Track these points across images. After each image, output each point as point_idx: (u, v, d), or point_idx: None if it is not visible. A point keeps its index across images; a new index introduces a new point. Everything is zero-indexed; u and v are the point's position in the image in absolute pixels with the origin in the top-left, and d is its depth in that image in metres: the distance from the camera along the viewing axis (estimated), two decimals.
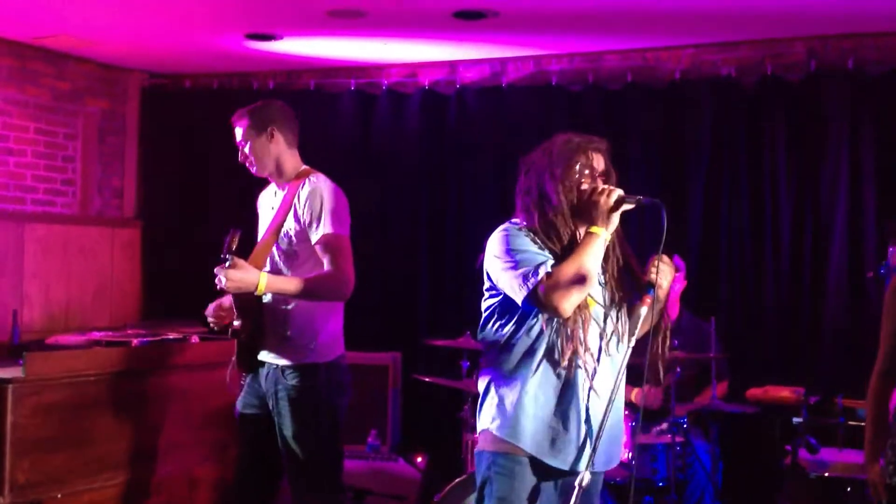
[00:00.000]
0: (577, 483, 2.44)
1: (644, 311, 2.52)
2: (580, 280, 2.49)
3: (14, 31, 5.13)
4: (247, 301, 3.29)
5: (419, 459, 4.68)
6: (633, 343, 2.55)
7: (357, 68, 5.69)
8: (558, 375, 2.54)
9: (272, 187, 3.56)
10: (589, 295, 2.54)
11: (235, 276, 3.14)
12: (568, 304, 2.49)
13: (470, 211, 5.41)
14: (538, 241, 2.57)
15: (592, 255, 2.51)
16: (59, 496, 3.50)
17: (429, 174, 5.54)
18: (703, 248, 4.93)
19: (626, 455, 4.06)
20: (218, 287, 3.20)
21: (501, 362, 2.60)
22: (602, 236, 2.53)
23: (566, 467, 2.55)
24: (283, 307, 3.29)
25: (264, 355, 3.37)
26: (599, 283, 2.61)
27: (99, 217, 5.87)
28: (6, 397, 3.32)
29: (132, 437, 3.81)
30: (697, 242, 4.96)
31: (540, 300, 2.48)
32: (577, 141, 2.65)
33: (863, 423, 3.68)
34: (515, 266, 2.53)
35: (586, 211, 2.56)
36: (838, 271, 4.68)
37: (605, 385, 2.57)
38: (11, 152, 5.37)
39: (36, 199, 5.54)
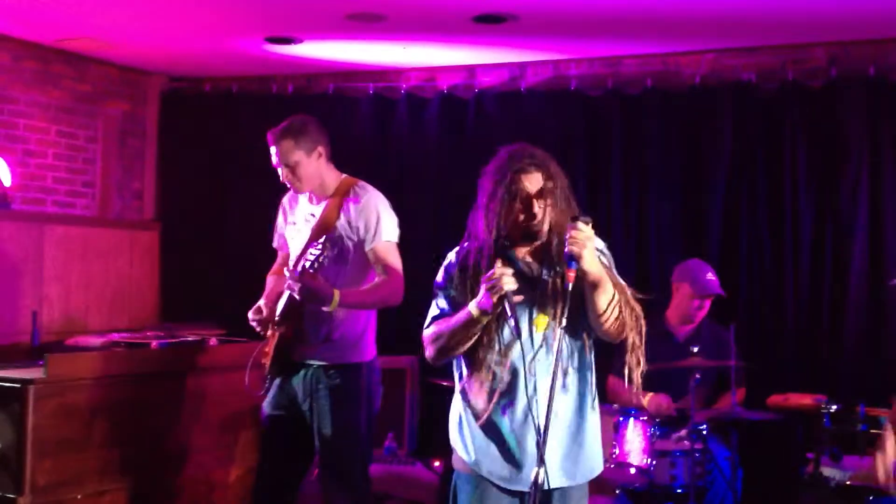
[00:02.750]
0: (532, 479, 2.39)
1: (570, 287, 2.41)
2: (445, 348, 2.54)
3: (36, 34, 5.17)
4: (294, 306, 3.36)
5: (437, 464, 4.67)
6: (563, 323, 2.41)
7: (376, 72, 5.69)
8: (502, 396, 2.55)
9: (304, 196, 3.58)
10: (541, 315, 2.52)
11: (313, 288, 3.23)
12: (435, 360, 2.59)
13: None
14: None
15: (462, 332, 2.51)
16: (79, 497, 3.51)
17: (447, 178, 5.54)
18: (722, 254, 4.91)
19: (644, 461, 4.05)
20: (291, 292, 3.28)
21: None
22: (475, 317, 2.48)
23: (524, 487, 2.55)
24: (327, 311, 3.35)
25: (303, 357, 3.42)
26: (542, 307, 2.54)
27: (118, 219, 5.90)
28: (27, 398, 3.34)
29: (151, 439, 3.83)
30: (717, 249, 4.93)
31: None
32: (506, 164, 2.56)
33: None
34: (430, 304, 2.66)
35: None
36: (859, 278, 4.65)
37: (562, 405, 2.55)
38: (32, 154, 5.41)
39: (56, 201, 5.57)
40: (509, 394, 2.55)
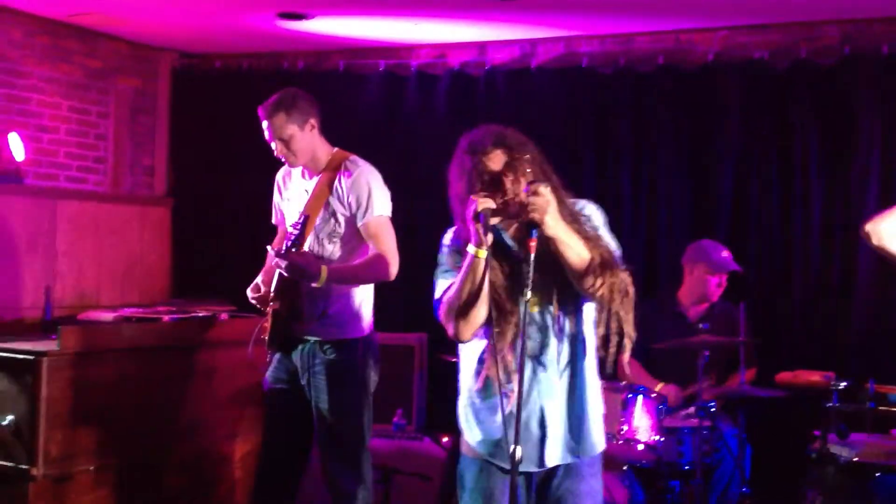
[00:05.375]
0: (509, 456, 2.36)
1: (532, 257, 2.34)
2: (459, 306, 2.46)
3: (48, 9, 5.17)
4: (287, 282, 3.37)
5: (445, 439, 4.70)
6: (527, 296, 2.34)
7: (387, 49, 5.68)
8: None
9: (297, 170, 3.59)
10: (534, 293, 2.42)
11: (300, 265, 3.23)
12: (457, 333, 2.50)
13: None
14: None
15: (468, 278, 2.44)
16: (91, 469, 3.55)
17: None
18: (731, 233, 4.90)
19: (652, 438, 4.07)
20: (284, 272, 3.29)
21: None
22: (475, 256, 2.42)
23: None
24: (325, 287, 3.36)
25: (301, 332, 3.43)
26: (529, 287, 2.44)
27: (130, 195, 5.92)
28: (41, 370, 3.37)
29: (162, 412, 3.86)
30: (726, 228, 4.93)
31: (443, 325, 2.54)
32: (465, 150, 2.54)
33: (893, 409, 3.68)
34: (434, 288, 2.61)
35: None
36: (869, 255, 4.63)
37: (559, 382, 2.55)
38: (45, 129, 5.42)
39: (69, 177, 5.59)
40: (507, 375, 2.53)
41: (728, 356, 4.44)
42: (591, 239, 2.47)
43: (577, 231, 2.45)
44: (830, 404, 3.58)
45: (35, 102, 5.36)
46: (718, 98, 5.00)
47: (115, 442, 3.64)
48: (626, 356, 2.50)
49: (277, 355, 3.55)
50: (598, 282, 2.42)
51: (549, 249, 2.42)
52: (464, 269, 2.47)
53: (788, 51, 4.88)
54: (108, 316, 4.65)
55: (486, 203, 2.41)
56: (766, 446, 4.51)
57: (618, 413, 4.06)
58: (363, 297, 3.53)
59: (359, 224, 3.43)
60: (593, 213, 2.58)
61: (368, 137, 5.59)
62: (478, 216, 2.40)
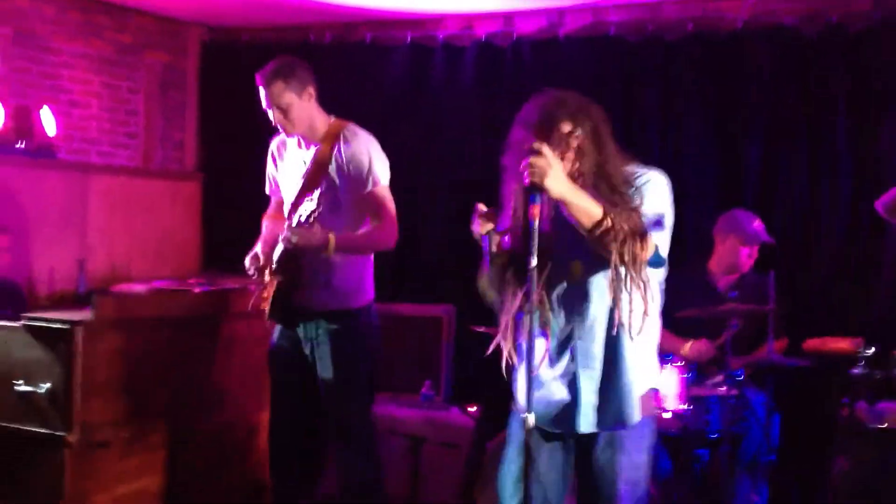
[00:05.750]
0: (521, 420, 2.40)
1: (536, 224, 2.33)
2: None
3: None
4: (290, 253, 3.40)
5: (472, 409, 4.74)
6: (532, 263, 2.34)
7: (413, 21, 5.67)
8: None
9: (293, 141, 3.59)
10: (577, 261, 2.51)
11: (308, 235, 3.25)
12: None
13: None
14: None
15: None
16: (126, 436, 3.60)
17: (483, 128, 5.53)
18: (760, 200, 4.87)
19: (679, 407, 4.07)
20: (287, 245, 3.32)
21: None
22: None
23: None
24: (324, 256, 3.38)
25: (303, 303, 3.48)
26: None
27: (161, 170, 5.98)
28: (76, 339, 3.42)
29: (194, 381, 3.91)
30: (754, 196, 4.90)
31: None
32: (514, 122, 2.56)
33: None
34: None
35: None
36: None
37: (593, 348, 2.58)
38: (77, 105, 5.49)
39: (100, 152, 5.66)
40: (558, 341, 2.58)
41: (757, 326, 4.42)
42: (618, 204, 2.45)
43: (610, 197, 2.44)
44: (858, 371, 3.57)
45: (66, 78, 5.43)
46: (747, 65, 4.95)
47: (148, 410, 3.69)
48: (636, 324, 2.47)
49: (279, 327, 3.59)
50: (621, 242, 2.40)
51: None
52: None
53: (818, 17, 4.81)
54: (140, 288, 4.72)
55: (486, 226, 2.48)
56: (795, 414, 4.50)
57: None
58: (364, 267, 3.55)
59: (360, 193, 3.44)
60: (650, 181, 2.55)
61: (395, 109, 5.62)
62: (480, 237, 2.47)
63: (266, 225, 3.72)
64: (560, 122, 2.48)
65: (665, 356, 4.15)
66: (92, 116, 5.58)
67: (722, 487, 3.97)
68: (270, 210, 3.80)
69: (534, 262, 2.35)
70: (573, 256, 2.54)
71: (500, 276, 2.56)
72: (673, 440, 4.18)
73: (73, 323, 3.44)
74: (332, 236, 3.31)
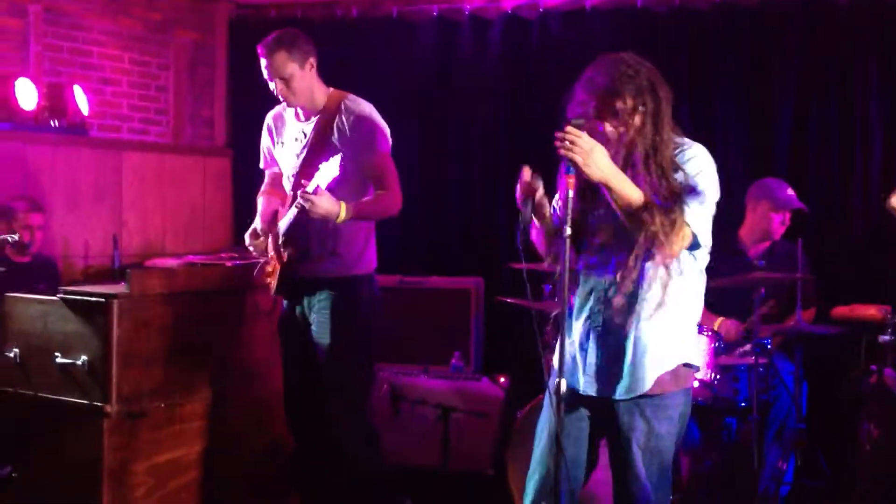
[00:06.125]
0: (552, 391, 2.47)
1: (570, 194, 2.38)
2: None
3: None
4: (296, 226, 3.43)
5: (502, 380, 4.78)
6: (567, 232, 2.39)
7: None
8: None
9: (290, 112, 3.60)
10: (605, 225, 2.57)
11: (324, 204, 3.25)
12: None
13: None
14: None
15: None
16: (162, 406, 3.68)
17: (510, 101, 5.54)
18: (790, 170, 4.86)
19: (708, 375, 4.09)
20: (301, 211, 3.33)
21: None
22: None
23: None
24: (332, 225, 3.40)
25: (309, 272, 3.53)
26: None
27: (191, 146, 6.04)
28: (112, 311, 3.49)
29: (228, 353, 3.98)
30: (785, 165, 4.88)
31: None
32: (581, 77, 2.57)
33: None
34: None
35: None
36: None
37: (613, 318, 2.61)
38: (108, 81, 5.55)
39: (132, 128, 5.72)
40: (578, 305, 2.64)
41: (788, 294, 4.41)
42: (662, 190, 2.46)
43: (657, 181, 2.46)
44: (886, 338, 3.56)
45: (97, 56, 5.49)
46: (776, 35, 4.92)
47: (183, 381, 3.76)
48: (656, 298, 2.52)
49: (285, 300, 3.66)
50: (646, 231, 2.44)
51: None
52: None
53: None
54: (173, 262, 4.80)
55: (532, 187, 2.50)
56: (823, 382, 4.50)
57: None
58: (368, 235, 3.59)
59: (363, 161, 3.45)
60: (693, 157, 2.56)
61: (422, 83, 5.64)
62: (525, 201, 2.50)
63: (262, 201, 3.75)
64: (625, 95, 2.49)
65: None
66: (122, 94, 5.64)
67: (750, 456, 3.98)
68: (265, 186, 3.83)
69: (568, 230, 2.39)
70: (604, 224, 2.57)
71: (549, 243, 2.60)
72: (701, 409, 4.19)
73: (109, 296, 3.51)
74: (343, 204, 3.32)
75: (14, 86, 4.83)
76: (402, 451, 4.39)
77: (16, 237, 4.15)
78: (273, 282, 3.62)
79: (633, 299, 2.55)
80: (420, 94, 5.64)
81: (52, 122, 5.07)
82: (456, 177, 5.63)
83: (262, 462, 4.09)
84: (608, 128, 2.51)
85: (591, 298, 2.62)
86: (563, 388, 2.42)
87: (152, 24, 5.77)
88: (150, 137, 5.83)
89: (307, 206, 3.25)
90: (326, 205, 3.26)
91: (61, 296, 3.61)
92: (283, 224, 3.52)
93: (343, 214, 3.30)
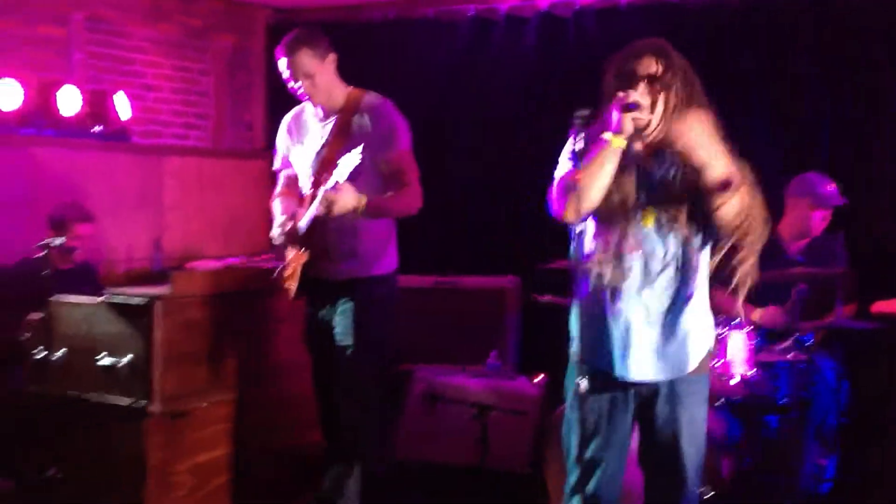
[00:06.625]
0: (577, 382, 2.51)
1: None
2: (578, 185, 2.46)
3: None
4: (317, 225, 3.41)
5: (539, 378, 4.78)
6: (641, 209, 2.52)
7: None
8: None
9: (309, 112, 3.61)
10: (650, 209, 2.55)
11: (345, 197, 3.25)
12: (563, 209, 2.52)
13: None
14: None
15: (596, 163, 2.49)
16: (203, 405, 3.73)
17: (547, 99, 5.54)
18: (830, 164, 4.80)
19: (748, 372, 4.05)
20: (323, 210, 3.31)
21: None
22: (609, 141, 2.48)
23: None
24: (351, 224, 3.41)
25: (330, 272, 3.53)
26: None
27: (231, 150, 6.11)
28: (155, 313, 3.54)
29: (267, 353, 4.01)
30: (824, 159, 4.83)
31: (550, 206, 2.58)
32: (623, 51, 2.61)
33: None
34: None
35: None
36: None
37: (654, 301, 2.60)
38: (150, 88, 5.64)
39: (173, 133, 5.81)
40: (609, 286, 2.62)
41: (827, 289, 4.35)
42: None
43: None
44: None
45: (139, 62, 5.58)
46: (811, 28, 4.87)
47: (224, 380, 3.80)
48: (741, 297, 2.54)
49: (307, 299, 3.66)
50: (736, 207, 2.48)
51: (683, 170, 2.49)
52: (595, 153, 2.51)
53: None
54: (213, 265, 4.85)
55: (638, 98, 2.48)
56: (864, 378, 4.44)
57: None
58: (389, 234, 3.58)
59: (384, 158, 3.43)
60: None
61: (460, 83, 5.66)
62: (628, 106, 2.47)
63: (279, 203, 3.73)
64: (664, 64, 2.56)
65: (732, 322, 4.13)
66: (163, 99, 5.72)
67: (790, 454, 3.94)
68: (280, 188, 3.82)
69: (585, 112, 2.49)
70: (647, 205, 2.58)
71: (591, 185, 2.55)
72: (741, 406, 4.16)
73: (151, 298, 3.56)
74: (363, 197, 3.30)
75: (57, 93, 4.92)
76: (439, 450, 4.41)
77: (61, 241, 4.20)
78: (293, 285, 3.60)
79: (688, 285, 2.59)
80: (455, 94, 5.66)
81: (93, 129, 5.16)
82: (494, 175, 5.64)
83: (292, 462, 4.12)
84: (641, 92, 2.52)
85: (644, 276, 2.61)
86: (584, 384, 2.48)
87: (192, 30, 5.85)
88: (191, 142, 5.91)
89: (329, 206, 3.25)
90: (348, 198, 3.25)
91: (105, 299, 3.67)
92: (302, 223, 3.52)
93: (361, 207, 3.29)
